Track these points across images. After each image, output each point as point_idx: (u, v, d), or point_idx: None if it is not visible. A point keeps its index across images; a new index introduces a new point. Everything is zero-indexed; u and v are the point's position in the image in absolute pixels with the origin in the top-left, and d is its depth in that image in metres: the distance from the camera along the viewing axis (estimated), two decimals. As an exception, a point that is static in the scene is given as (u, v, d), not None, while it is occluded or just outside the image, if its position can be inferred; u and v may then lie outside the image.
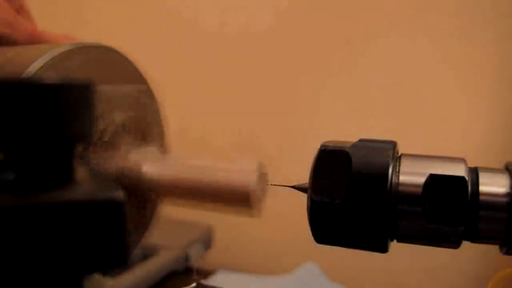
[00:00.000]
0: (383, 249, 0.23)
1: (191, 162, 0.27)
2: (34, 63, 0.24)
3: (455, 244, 0.22)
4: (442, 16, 0.62)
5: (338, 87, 0.67)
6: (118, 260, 0.14)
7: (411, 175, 0.22)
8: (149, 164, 0.27)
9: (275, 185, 0.27)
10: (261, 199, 0.26)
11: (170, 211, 0.31)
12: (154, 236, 0.33)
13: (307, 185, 0.24)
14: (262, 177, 0.26)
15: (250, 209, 0.25)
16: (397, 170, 0.23)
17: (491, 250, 0.24)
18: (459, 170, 0.22)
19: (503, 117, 0.60)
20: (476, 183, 0.22)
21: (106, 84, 0.27)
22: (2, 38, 0.30)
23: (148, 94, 0.32)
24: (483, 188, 0.21)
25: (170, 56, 0.75)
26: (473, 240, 0.22)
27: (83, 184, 0.14)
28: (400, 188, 0.22)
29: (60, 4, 0.82)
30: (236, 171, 0.25)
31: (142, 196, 0.29)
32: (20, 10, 0.34)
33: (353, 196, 0.22)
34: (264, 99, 0.72)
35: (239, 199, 0.25)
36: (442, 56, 0.62)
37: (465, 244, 0.22)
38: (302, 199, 0.24)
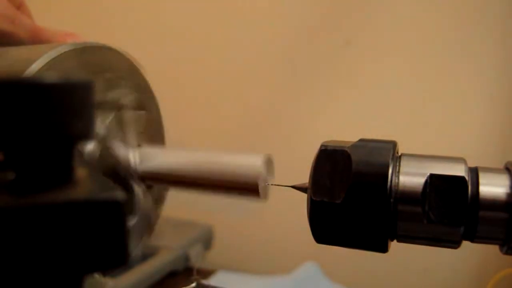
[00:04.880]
0: (383, 249, 0.23)
1: (199, 152, 0.27)
2: (35, 63, 0.24)
3: (455, 244, 0.22)
4: (442, 16, 0.62)
5: (338, 86, 0.67)
6: (118, 260, 0.14)
7: (411, 175, 0.22)
8: (154, 156, 0.28)
9: (275, 185, 0.27)
10: (268, 189, 0.26)
11: (170, 211, 0.31)
12: (154, 236, 0.33)
13: (307, 185, 0.24)
14: (270, 166, 0.26)
15: (258, 198, 0.26)
16: (397, 170, 0.23)
17: (491, 250, 0.24)
18: (459, 170, 0.22)
19: (503, 117, 0.60)
20: (476, 183, 0.22)
21: (106, 83, 0.28)
22: (4, 34, 0.30)
23: (148, 92, 0.32)
24: (483, 188, 0.21)
25: (171, 54, 0.75)
26: (473, 240, 0.22)
27: (83, 184, 0.14)
28: (400, 188, 0.22)
29: (61, 3, 0.82)
30: (244, 160, 0.26)
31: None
32: (20, 7, 0.34)
33: (353, 196, 0.22)
34: (263, 99, 0.72)
35: (247, 187, 0.25)
36: (442, 56, 0.62)
37: (465, 244, 0.22)
38: (302, 199, 0.24)
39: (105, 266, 0.14)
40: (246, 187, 0.25)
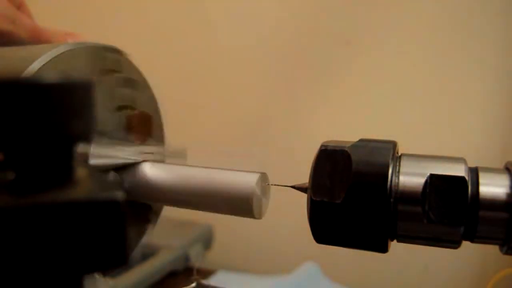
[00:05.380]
0: (383, 249, 0.23)
1: (194, 169, 0.27)
2: (35, 63, 0.24)
3: (455, 244, 0.22)
4: (443, 15, 0.62)
5: (338, 87, 0.67)
6: (118, 260, 0.14)
7: (411, 175, 0.22)
8: (149, 169, 0.28)
9: (275, 185, 0.27)
10: (264, 208, 0.26)
11: (170, 211, 0.31)
12: (154, 236, 0.33)
13: (307, 185, 0.24)
14: (265, 184, 0.26)
15: (253, 217, 0.26)
16: (397, 170, 0.23)
17: (491, 250, 0.24)
18: (459, 170, 0.22)
19: (503, 117, 0.60)
20: (476, 183, 0.22)
21: (105, 83, 0.28)
22: (4, 34, 0.30)
23: (147, 92, 0.32)
24: (483, 188, 0.21)
25: (169, 57, 0.75)
26: (473, 240, 0.22)
27: (83, 184, 0.14)
28: (400, 188, 0.22)
29: (62, 3, 0.82)
30: (238, 179, 0.25)
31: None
32: (21, 7, 0.34)
33: (353, 196, 0.22)
34: (263, 99, 0.72)
35: (240, 207, 0.25)
36: (443, 55, 0.62)
37: (465, 244, 0.22)
38: (302, 199, 0.24)
39: (105, 266, 0.14)
40: (239, 207, 0.25)
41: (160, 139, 0.34)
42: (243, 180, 0.25)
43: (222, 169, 0.27)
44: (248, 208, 0.25)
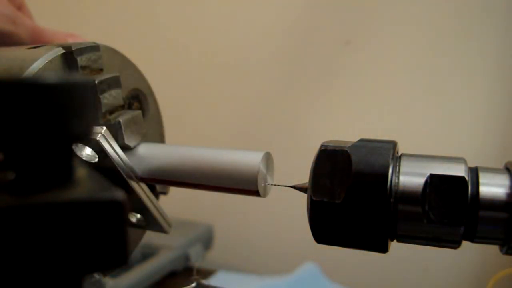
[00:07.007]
0: (383, 249, 0.23)
1: (198, 149, 0.28)
2: (35, 63, 0.24)
3: (455, 244, 0.22)
4: (443, 15, 0.62)
5: (338, 87, 0.67)
6: (118, 260, 0.14)
7: (411, 175, 0.22)
8: (152, 155, 0.28)
9: (275, 185, 0.27)
10: (268, 188, 0.26)
11: (170, 211, 0.31)
12: (154, 236, 0.33)
13: (307, 185, 0.24)
14: (270, 163, 0.26)
15: (257, 195, 0.26)
16: (397, 170, 0.23)
17: (491, 250, 0.24)
18: (459, 170, 0.22)
19: (503, 117, 0.60)
20: (476, 183, 0.22)
21: (104, 83, 0.28)
22: (5, 34, 0.30)
23: (146, 92, 0.32)
24: (483, 188, 0.21)
25: (169, 54, 0.75)
26: (473, 240, 0.22)
27: (83, 184, 0.14)
28: (400, 188, 0.22)
29: (62, 3, 0.82)
30: (243, 157, 0.26)
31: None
32: (21, 7, 0.34)
33: (353, 196, 0.22)
34: (263, 99, 0.72)
35: (246, 184, 0.25)
36: (443, 55, 0.62)
37: (465, 244, 0.22)
38: (302, 199, 0.24)
39: (105, 266, 0.14)
40: (245, 184, 0.26)
41: (159, 135, 0.34)
42: (248, 157, 0.26)
43: (226, 148, 0.27)
44: (253, 186, 0.25)
